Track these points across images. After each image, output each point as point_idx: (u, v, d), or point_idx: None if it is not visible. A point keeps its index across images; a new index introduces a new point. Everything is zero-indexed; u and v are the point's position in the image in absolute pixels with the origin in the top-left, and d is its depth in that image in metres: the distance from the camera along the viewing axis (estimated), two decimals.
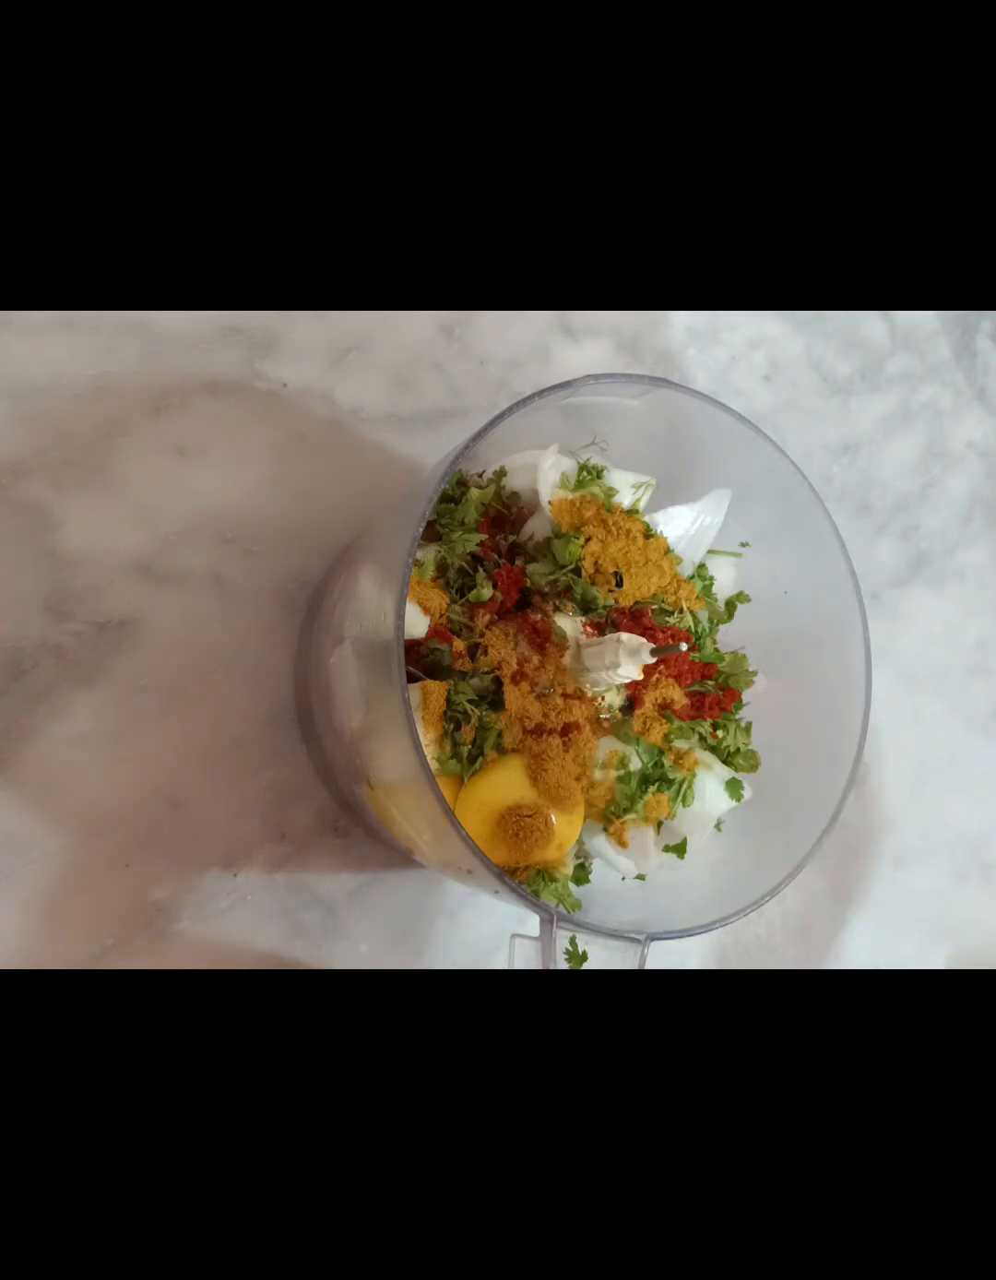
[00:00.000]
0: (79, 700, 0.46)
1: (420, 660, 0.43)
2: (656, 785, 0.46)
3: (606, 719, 0.46)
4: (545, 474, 0.46)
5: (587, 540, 0.46)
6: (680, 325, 0.63)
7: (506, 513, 0.47)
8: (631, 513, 0.48)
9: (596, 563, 0.46)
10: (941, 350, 0.73)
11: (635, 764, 0.45)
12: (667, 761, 0.46)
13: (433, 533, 0.45)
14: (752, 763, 0.49)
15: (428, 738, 0.42)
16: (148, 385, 0.48)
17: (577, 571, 0.46)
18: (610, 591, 0.46)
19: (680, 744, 0.47)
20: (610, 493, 0.47)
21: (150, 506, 0.48)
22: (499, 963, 0.53)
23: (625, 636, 0.44)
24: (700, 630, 0.49)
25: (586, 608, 0.46)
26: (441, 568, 0.45)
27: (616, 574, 0.46)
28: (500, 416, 0.38)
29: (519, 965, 0.40)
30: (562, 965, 0.40)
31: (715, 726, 0.48)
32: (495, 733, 0.43)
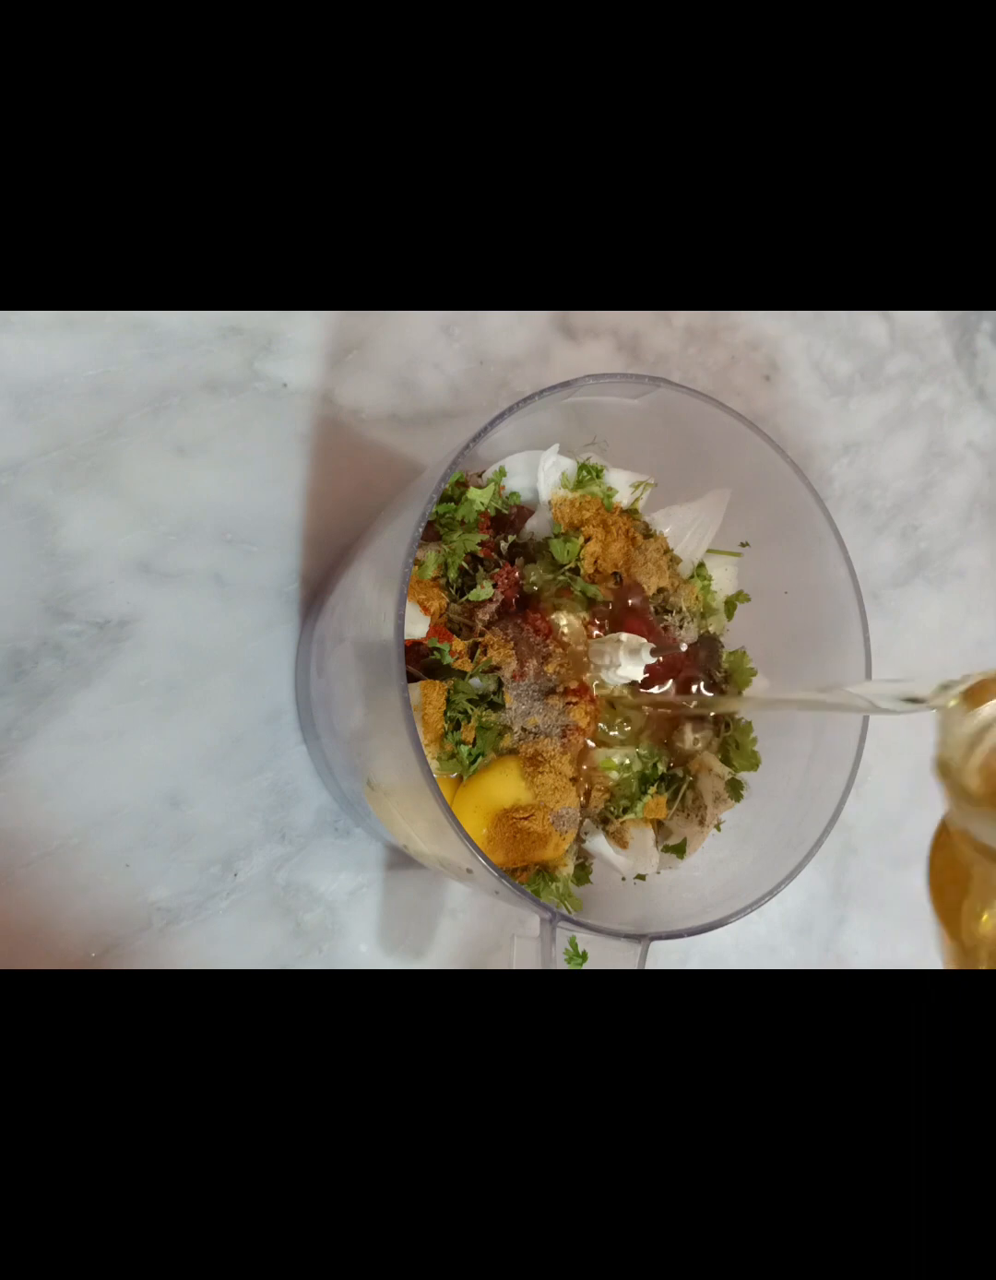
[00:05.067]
0: (79, 700, 0.46)
1: (420, 660, 0.43)
2: (656, 785, 0.46)
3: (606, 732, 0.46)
4: (545, 474, 0.46)
5: (587, 540, 0.46)
6: (680, 325, 0.63)
7: (506, 513, 0.47)
8: (630, 512, 0.48)
9: (596, 563, 0.46)
10: (941, 350, 0.73)
11: (635, 764, 0.46)
12: (663, 764, 0.46)
13: (432, 533, 0.45)
14: (752, 763, 0.49)
15: (427, 738, 0.42)
16: (148, 385, 0.49)
17: (576, 571, 0.46)
18: (610, 590, 0.46)
19: (688, 746, 0.47)
20: (610, 493, 0.48)
21: (150, 506, 0.48)
22: (499, 963, 0.53)
23: (625, 637, 0.44)
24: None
25: (590, 605, 0.46)
26: (442, 568, 0.45)
27: (616, 574, 0.46)
28: (500, 416, 0.38)
29: (519, 965, 0.40)
30: (562, 965, 0.40)
31: (714, 724, 0.48)
32: (495, 733, 0.43)
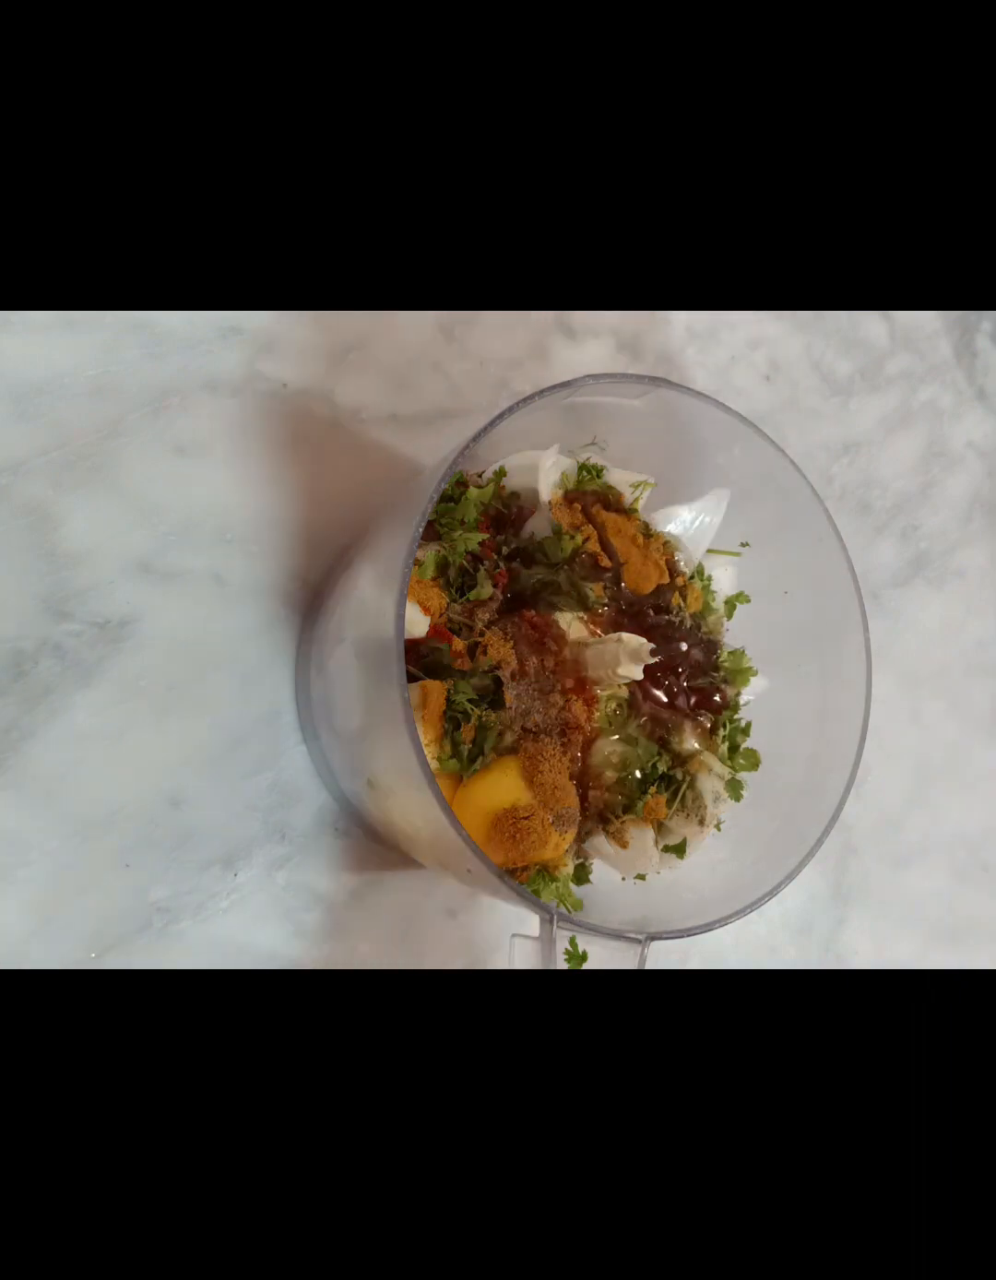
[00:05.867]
0: (79, 700, 0.46)
1: (420, 660, 0.43)
2: (656, 785, 0.46)
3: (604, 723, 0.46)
4: (545, 474, 0.46)
5: (586, 540, 0.46)
6: (680, 325, 0.63)
7: (506, 513, 0.47)
8: (630, 512, 0.48)
9: (594, 560, 0.46)
10: (941, 350, 0.73)
11: (635, 764, 0.46)
12: (663, 765, 0.46)
13: (432, 533, 0.45)
14: (753, 762, 0.49)
15: (427, 738, 0.42)
16: (148, 385, 0.48)
17: (572, 568, 0.46)
18: (606, 588, 0.46)
19: (684, 747, 0.47)
20: (609, 489, 0.48)
21: (150, 506, 0.48)
22: (499, 963, 0.53)
23: (625, 636, 0.44)
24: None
25: (584, 605, 0.46)
26: (442, 568, 0.45)
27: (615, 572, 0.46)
28: (500, 416, 0.38)
29: (519, 965, 0.40)
30: (562, 965, 0.40)
31: (712, 723, 0.48)
32: (495, 733, 0.43)
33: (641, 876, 0.47)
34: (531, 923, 0.39)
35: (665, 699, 0.47)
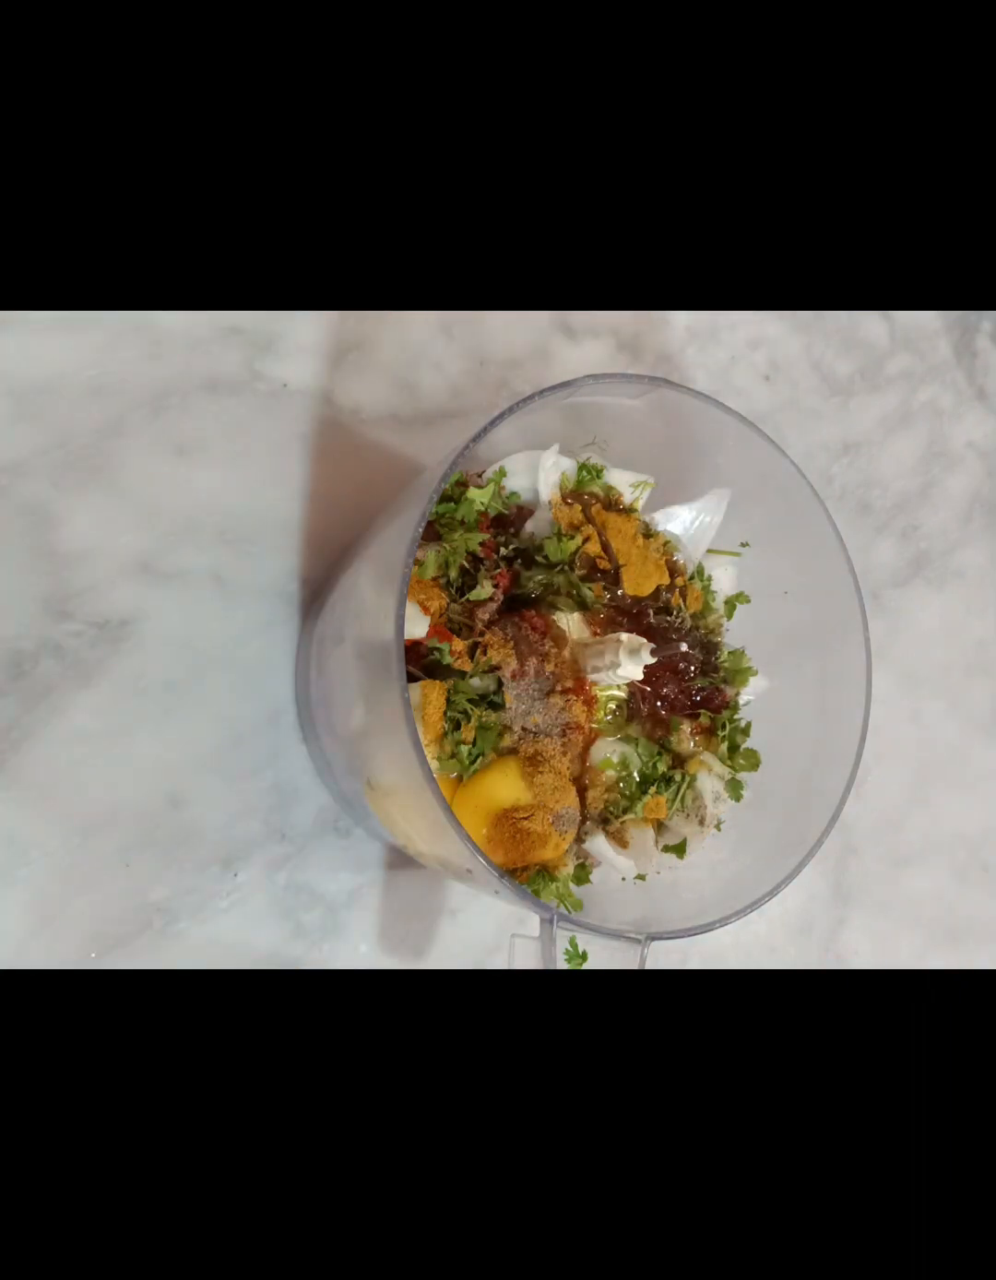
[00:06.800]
0: (79, 700, 0.46)
1: (420, 660, 0.43)
2: (656, 785, 0.46)
3: (604, 723, 0.46)
4: (545, 474, 0.46)
5: (586, 540, 0.46)
6: (680, 325, 0.63)
7: (506, 513, 0.47)
8: (630, 512, 0.48)
9: (593, 562, 0.46)
10: (941, 350, 0.73)
11: (635, 764, 0.46)
12: (663, 765, 0.46)
13: (432, 533, 0.45)
14: (753, 763, 0.49)
15: (427, 738, 0.42)
16: (148, 385, 0.48)
17: (572, 568, 0.46)
18: (605, 588, 0.46)
19: (684, 747, 0.47)
20: (610, 490, 0.48)
21: (150, 506, 0.48)
22: (499, 963, 0.53)
23: (625, 636, 0.44)
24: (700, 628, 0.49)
25: (583, 606, 0.46)
26: (442, 568, 0.45)
27: (615, 573, 0.46)
28: (500, 416, 0.38)
29: (519, 965, 0.40)
30: (562, 965, 0.40)
31: (712, 723, 0.48)
32: (495, 732, 0.43)
33: (641, 876, 0.47)
34: (531, 923, 0.39)
35: (665, 699, 0.47)
